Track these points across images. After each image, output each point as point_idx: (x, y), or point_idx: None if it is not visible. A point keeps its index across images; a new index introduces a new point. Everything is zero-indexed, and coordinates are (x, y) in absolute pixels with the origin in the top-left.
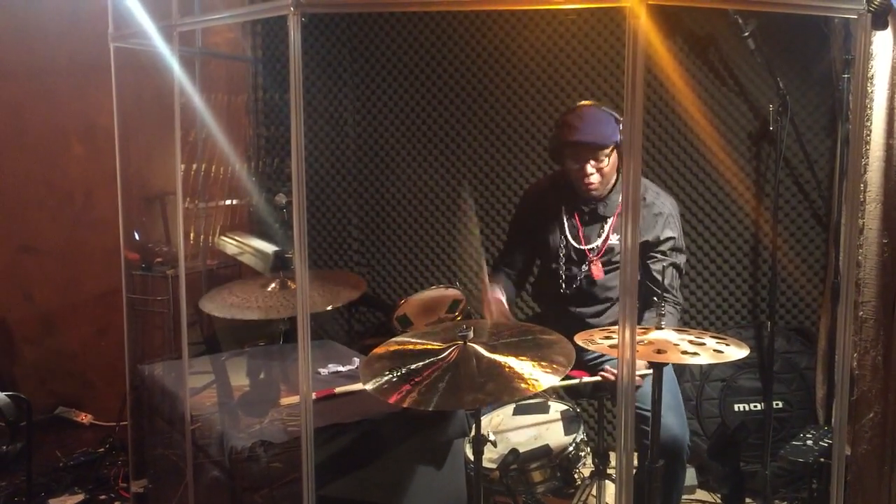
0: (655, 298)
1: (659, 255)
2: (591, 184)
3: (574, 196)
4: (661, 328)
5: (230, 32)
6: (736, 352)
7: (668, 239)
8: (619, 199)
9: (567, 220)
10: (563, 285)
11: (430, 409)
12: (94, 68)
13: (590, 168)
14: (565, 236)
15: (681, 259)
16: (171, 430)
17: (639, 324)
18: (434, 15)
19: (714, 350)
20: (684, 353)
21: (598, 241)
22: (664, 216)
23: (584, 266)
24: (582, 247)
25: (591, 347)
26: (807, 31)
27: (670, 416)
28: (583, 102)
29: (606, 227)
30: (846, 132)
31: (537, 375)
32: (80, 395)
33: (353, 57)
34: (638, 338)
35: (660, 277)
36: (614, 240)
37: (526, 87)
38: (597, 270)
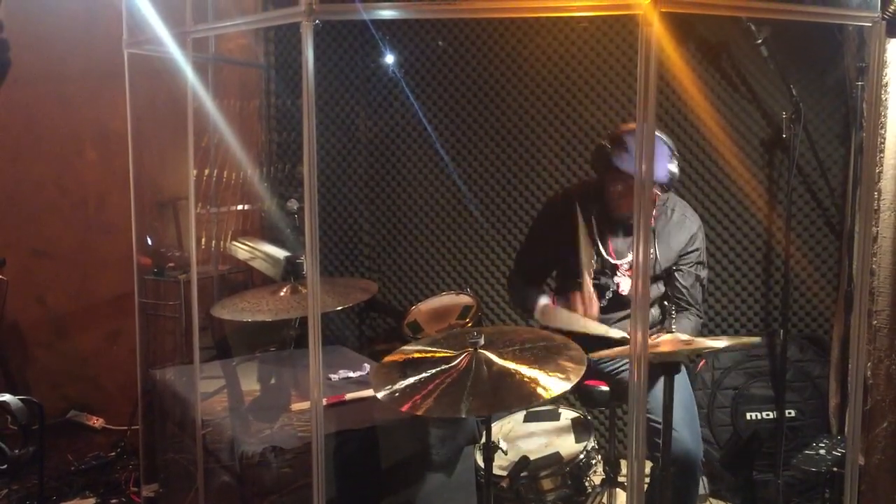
0: (666, 303)
1: (685, 269)
2: (625, 208)
3: (606, 209)
4: (672, 332)
5: (243, 39)
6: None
7: (693, 252)
8: (652, 215)
9: (598, 233)
10: (599, 297)
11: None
12: (108, 74)
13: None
14: (597, 249)
15: (703, 273)
16: (182, 435)
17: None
18: (446, 22)
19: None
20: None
21: (631, 256)
22: (691, 231)
23: (615, 279)
24: (614, 260)
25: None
26: (820, 39)
27: (684, 429)
28: None
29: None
30: (860, 140)
31: (548, 383)
32: (92, 399)
33: (364, 63)
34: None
35: (684, 290)
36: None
37: (538, 94)
38: (627, 283)
